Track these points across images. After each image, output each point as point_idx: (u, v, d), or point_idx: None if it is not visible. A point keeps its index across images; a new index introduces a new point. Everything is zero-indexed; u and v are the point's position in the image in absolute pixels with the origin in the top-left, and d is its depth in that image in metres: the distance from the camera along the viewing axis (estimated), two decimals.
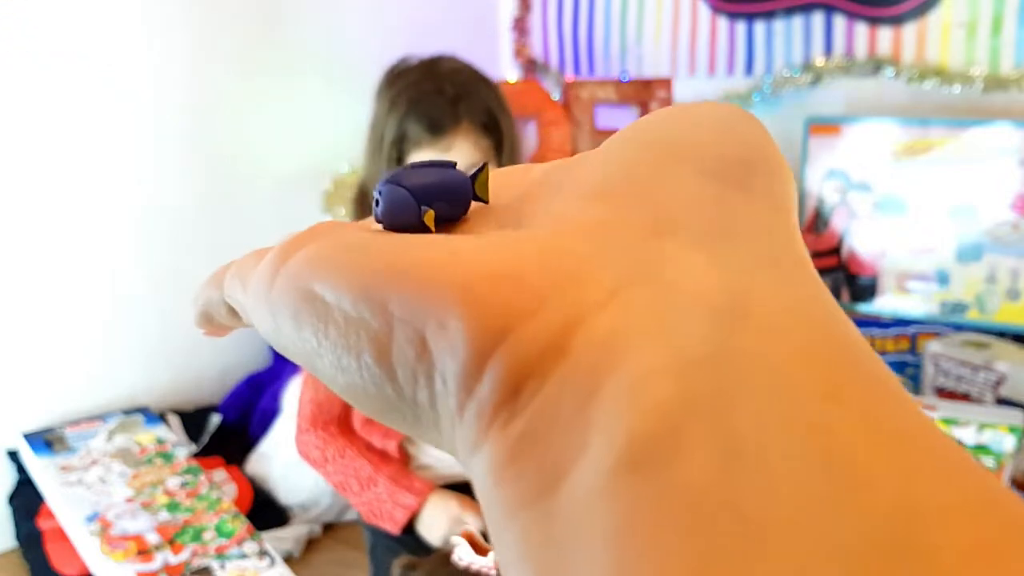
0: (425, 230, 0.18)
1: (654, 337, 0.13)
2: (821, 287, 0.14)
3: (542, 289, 0.14)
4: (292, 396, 1.80)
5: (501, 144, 1.12)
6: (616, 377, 0.12)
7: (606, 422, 0.12)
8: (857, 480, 0.11)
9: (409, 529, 1.15)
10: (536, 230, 0.16)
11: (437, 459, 1.24)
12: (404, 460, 1.22)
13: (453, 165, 0.20)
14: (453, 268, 0.14)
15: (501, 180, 0.20)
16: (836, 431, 0.11)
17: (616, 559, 0.11)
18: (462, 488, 1.18)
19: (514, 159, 1.14)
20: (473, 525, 1.11)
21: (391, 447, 1.20)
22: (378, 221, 0.19)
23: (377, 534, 1.19)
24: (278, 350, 0.17)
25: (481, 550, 1.08)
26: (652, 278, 0.14)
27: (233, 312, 0.20)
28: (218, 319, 0.21)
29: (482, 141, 1.10)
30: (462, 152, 1.08)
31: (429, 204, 0.19)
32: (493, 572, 1.06)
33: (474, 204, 0.19)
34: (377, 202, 0.19)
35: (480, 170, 0.19)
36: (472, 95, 1.10)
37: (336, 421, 1.18)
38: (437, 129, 1.08)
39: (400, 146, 1.10)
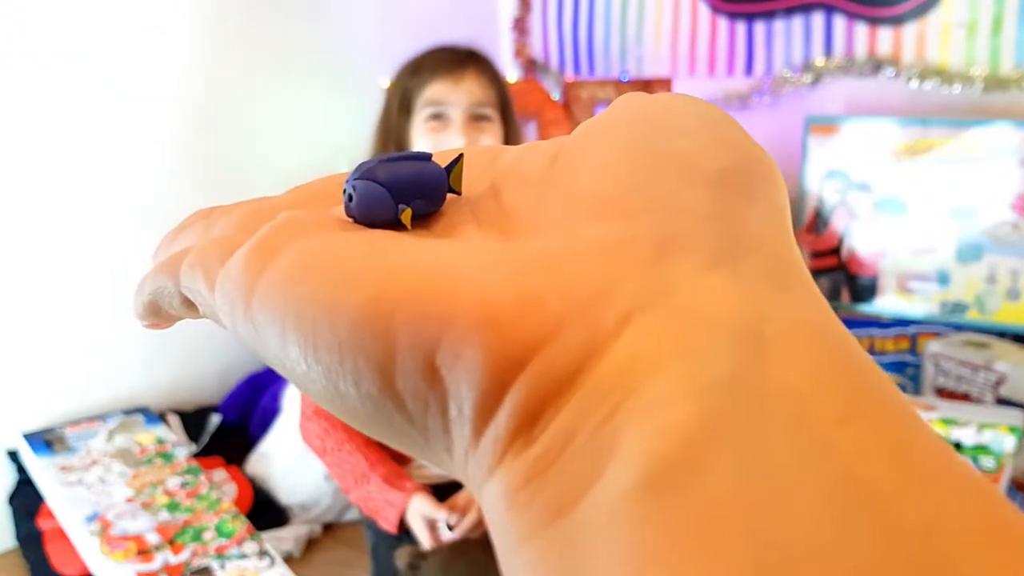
0: (401, 228, 0.18)
1: (671, 362, 0.13)
2: (822, 300, 0.14)
3: (559, 315, 0.13)
4: (292, 396, 1.80)
5: (505, 106, 1.22)
6: (634, 401, 0.12)
7: (624, 445, 0.12)
8: (877, 504, 0.11)
9: (406, 531, 1.15)
10: (542, 247, 0.15)
11: None
12: (405, 456, 1.22)
13: (428, 157, 0.19)
14: (464, 290, 0.14)
15: (468, 165, 0.19)
16: (854, 455, 0.11)
17: None
18: (458, 488, 1.19)
19: (516, 130, 1.24)
20: (444, 527, 1.12)
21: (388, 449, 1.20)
22: (350, 216, 0.18)
23: (379, 534, 1.20)
24: (265, 363, 0.16)
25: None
26: (666, 301, 0.13)
27: (189, 303, 0.19)
28: (168, 311, 0.20)
29: (488, 85, 1.20)
30: (471, 88, 1.18)
31: (406, 201, 0.18)
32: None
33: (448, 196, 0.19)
34: (351, 197, 0.18)
35: (455, 162, 0.19)
36: (480, 54, 1.23)
37: None
38: (449, 66, 1.19)
39: (412, 83, 1.20)
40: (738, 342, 0.13)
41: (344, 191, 0.18)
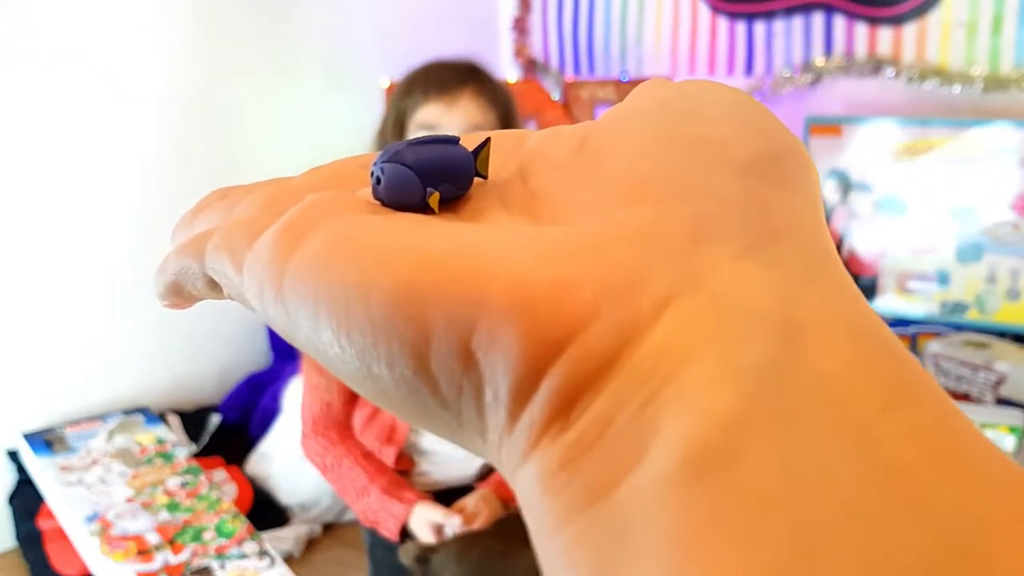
0: (428, 211, 0.18)
1: (710, 349, 0.13)
2: (856, 289, 0.15)
3: (595, 301, 0.13)
4: (292, 396, 1.80)
5: (506, 115, 1.17)
6: (673, 387, 0.12)
7: (665, 430, 0.12)
8: (917, 492, 0.11)
9: (408, 535, 1.16)
10: (576, 232, 0.15)
11: (436, 465, 1.25)
12: (407, 466, 1.23)
13: (455, 140, 0.19)
14: (500, 273, 0.14)
15: (496, 149, 0.19)
16: (895, 443, 0.11)
17: (676, 565, 0.11)
18: (459, 493, 1.19)
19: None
20: (450, 529, 1.12)
21: (390, 455, 1.21)
22: (377, 198, 0.18)
23: (377, 535, 1.20)
24: (295, 346, 0.16)
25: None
26: (701, 288, 0.13)
27: (213, 284, 0.18)
28: (191, 291, 0.19)
29: (486, 106, 1.14)
30: (467, 110, 1.12)
31: (434, 185, 0.18)
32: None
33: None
34: (379, 179, 0.18)
35: (483, 145, 0.19)
36: (479, 72, 1.16)
37: (336, 427, 1.19)
38: (443, 86, 1.13)
39: (405, 103, 1.15)
40: (775, 329, 0.13)
41: (372, 173, 0.18)
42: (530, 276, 0.14)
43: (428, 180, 0.18)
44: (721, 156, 0.16)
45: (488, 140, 0.19)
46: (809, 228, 0.15)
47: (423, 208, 0.17)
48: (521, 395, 0.13)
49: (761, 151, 0.16)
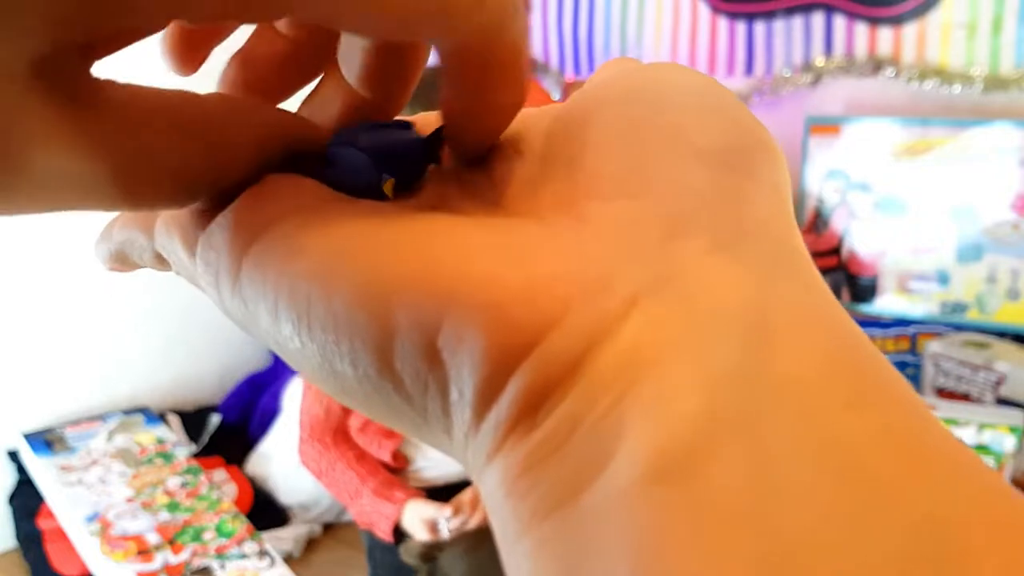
0: (382, 197, 0.17)
1: (678, 350, 0.12)
2: (824, 285, 0.14)
3: (564, 301, 0.13)
4: (292, 396, 1.80)
5: None
6: (640, 390, 0.12)
7: (631, 435, 0.12)
8: (884, 495, 0.10)
9: (403, 534, 1.16)
10: (546, 229, 0.15)
11: (432, 461, 1.25)
12: (401, 464, 1.23)
13: (409, 126, 0.18)
14: (467, 271, 0.13)
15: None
16: (861, 444, 0.11)
17: (642, 570, 0.10)
18: (456, 490, 1.19)
19: None
20: (444, 525, 1.12)
21: (386, 454, 1.21)
22: (327, 182, 0.17)
23: (375, 536, 1.20)
24: (253, 338, 0.16)
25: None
26: (672, 286, 0.13)
27: (161, 259, 0.18)
28: (136, 261, 0.19)
29: None
30: None
31: (390, 171, 0.17)
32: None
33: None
34: (330, 163, 0.17)
35: (438, 132, 0.18)
36: None
37: (332, 431, 1.20)
38: (431, 107, 1.09)
39: None
40: (743, 329, 0.12)
41: (325, 157, 0.17)
42: (498, 275, 0.13)
43: (382, 165, 0.17)
44: (690, 148, 0.15)
45: (440, 129, 0.18)
46: (778, 222, 0.15)
47: (377, 194, 0.17)
48: (487, 395, 0.13)
49: (731, 142, 0.16)
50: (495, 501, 0.13)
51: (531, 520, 0.12)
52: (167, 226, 0.17)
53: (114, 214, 0.19)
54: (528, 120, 0.18)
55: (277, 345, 0.15)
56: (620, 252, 0.14)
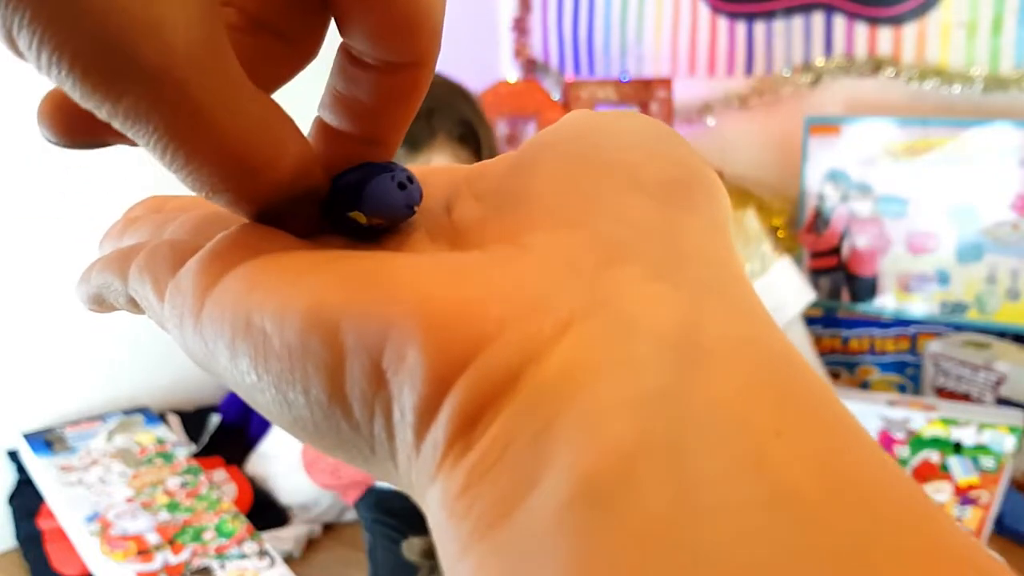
0: (360, 235, 0.18)
1: (608, 372, 0.13)
2: (763, 311, 0.15)
3: (499, 319, 0.13)
4: None
5: (479, 155, 1.12)
6: (570, 412, 0.12)
7: (560, 456, 0.12)
8: (808, 520, 0.10)
9: (409, 527, 1.16)
10: (486, 255, 0.15)
11: None
12: None
13: (388, 168, 0.19)
14: (409, 294, 0.14)
15: (425, 184, 0.19)
16: (785, 467, 0.11)
17: None
18: None
19: None
20: None
21: None
22: (325, 212, 0.18)
23: (376, 535, 1.20)
24: (214, 377, 0.16)
25: None
26: (606, 310, 0.13)
27: (135, 303, 0.19)
28: (113, 304, 0.20)
29: (460, 153, 1.10)
30: (439, 163, 1.08)
31: (363, 211, 0.18)
32: None
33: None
34: (343, 194, 0.18)
35: (408, 177, 0.18)
36: (446, 108, 1.10)
37: None
38: (413, 145, 1.08)
39: None
40: (674, 353, 0.13)
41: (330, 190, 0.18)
42: (436, 294, 0.14)
43: (349, 206, 0.18)
44: (632, 181, 0.16)
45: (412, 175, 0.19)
46: (717, 251, 0.15)
47: (356, 230, 0.18)
48: (426, 413, 0.13)
49: (672, 177, 0.16)
50: (438, 521, 0.13)
51: (470, 539, 0.12)
52: (141, 271, 0.18)
53: (92, 260, 0.20)
54: (487, 167, 0.19)
55: (235, 383, 0.15)
56: (557, 276, 0.14)
